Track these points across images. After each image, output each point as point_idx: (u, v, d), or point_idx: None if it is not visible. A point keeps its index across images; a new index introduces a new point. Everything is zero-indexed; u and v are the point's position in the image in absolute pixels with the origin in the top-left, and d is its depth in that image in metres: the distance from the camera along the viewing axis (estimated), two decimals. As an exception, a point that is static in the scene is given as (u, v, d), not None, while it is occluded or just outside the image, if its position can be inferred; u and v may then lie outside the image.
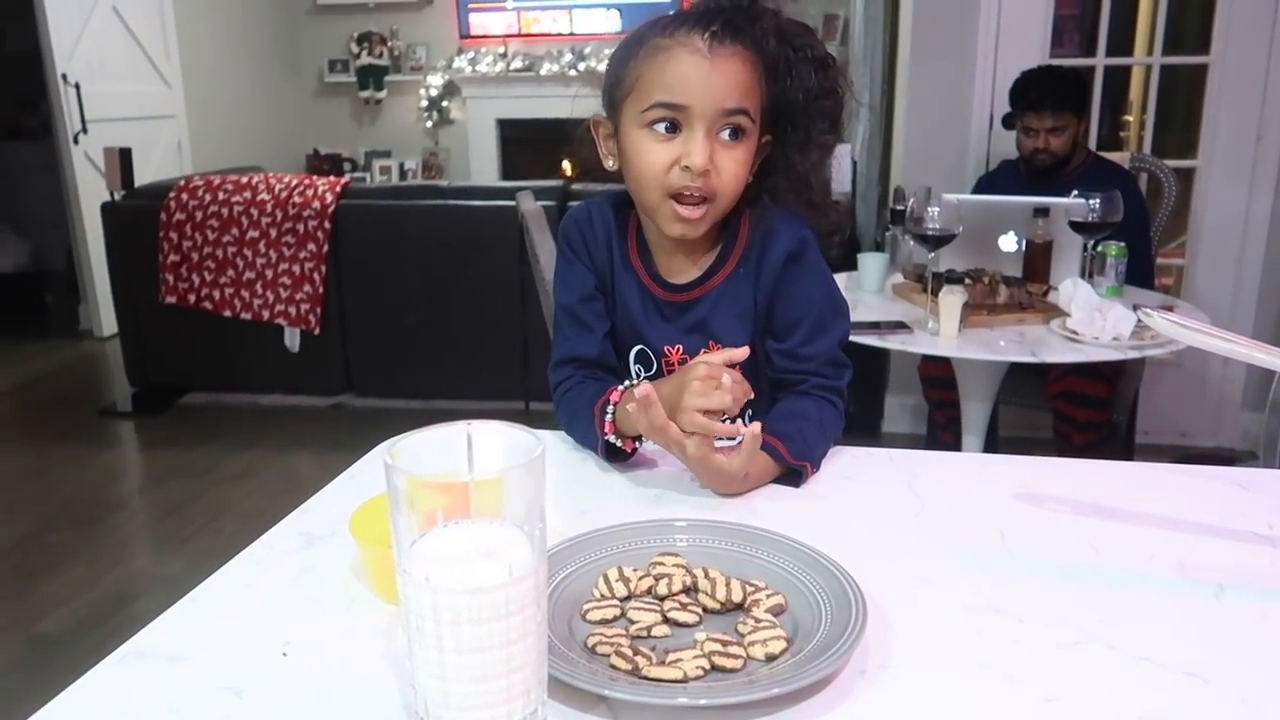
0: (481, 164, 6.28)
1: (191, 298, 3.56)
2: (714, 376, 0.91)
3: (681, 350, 1.10)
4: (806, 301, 1.07)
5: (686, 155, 0.97)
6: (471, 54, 6.17)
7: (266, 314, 3.54)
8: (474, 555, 0.52)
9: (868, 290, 2.39)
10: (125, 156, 3.58)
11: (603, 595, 0.71)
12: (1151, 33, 3.15)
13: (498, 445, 0.55)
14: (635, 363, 1.13)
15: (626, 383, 1.01)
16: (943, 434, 2.69)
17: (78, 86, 4.43)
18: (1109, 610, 0.71)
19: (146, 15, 5.00)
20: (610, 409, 0.98)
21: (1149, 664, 0.64)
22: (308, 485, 0.94)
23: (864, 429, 3.27)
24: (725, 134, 0.98)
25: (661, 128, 0.98)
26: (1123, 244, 2.25)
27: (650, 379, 1.08)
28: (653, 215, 1.03)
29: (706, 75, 0.96)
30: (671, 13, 1.02)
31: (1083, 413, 2.46)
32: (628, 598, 0.71)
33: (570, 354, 1.12)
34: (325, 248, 3.46)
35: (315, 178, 3.63)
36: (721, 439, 0.92)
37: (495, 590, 0.51)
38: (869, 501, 0.92)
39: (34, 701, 0.60)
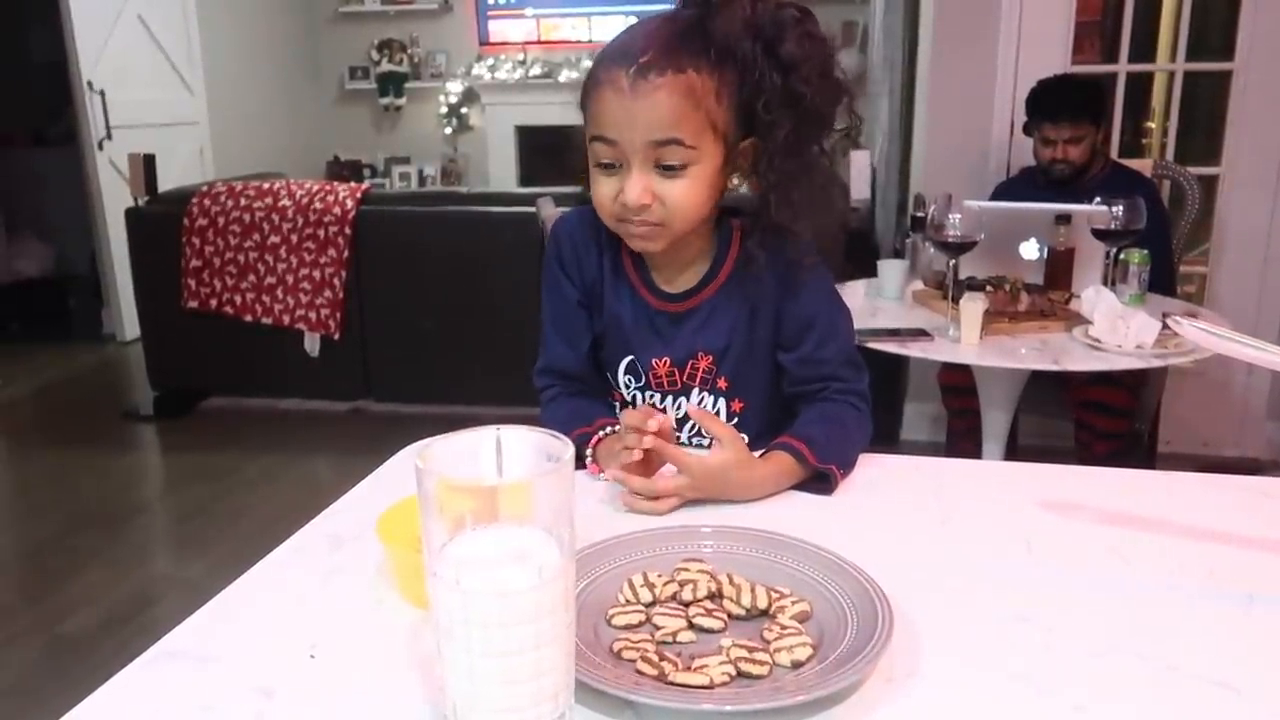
0: (500, 170, 6.30)
1: (213, 303, 3.58)
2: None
3: (669, 363, 1.08)
4: (813, 304, 1.05)
5: (623, 192, 0.95)
6: (491, 61, 6.20)
7: (287, 319, 3.55)
8: (504, 559, 0.52)
9: (887, 297, 2.38)
10: (149, 162, 3.61)
11: (628, 600, 0.71)
12: (1174, 39, 3.12)
13: (526, 450, 0.55)
14: (625, 373, 1.11)
15: (607, 430, 1.01)
16: (962, 442, 2.67)
17: (103, 94, 4.48)
18: (1138, 620, 0.70)
19: (170, 23, 5.06)
20: (590, 452, 0.99)
21: (1179, 674, 0.64)
22: (327, 489, 0.95)
23: (882, 437, 3.24)
24: (665, 165, 0.95)
25: (604, 161, 0.97)
26: (1146, 251, 2.23)
27: (639, 390, 1.10)
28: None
29: (629, 111, 0.92)
30: (620, 34, 0.99)
31: (1104, 422, 2.44)
32: (653, 603, 0.71)
33: (551, 365, 1.12)
34: (345, 253, 3.48)
35: (336, 184, 3.65)
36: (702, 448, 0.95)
37: (525, 594, 0.51)
38: (893, 509, 0.92)
39: (56, 702, 0.60)
